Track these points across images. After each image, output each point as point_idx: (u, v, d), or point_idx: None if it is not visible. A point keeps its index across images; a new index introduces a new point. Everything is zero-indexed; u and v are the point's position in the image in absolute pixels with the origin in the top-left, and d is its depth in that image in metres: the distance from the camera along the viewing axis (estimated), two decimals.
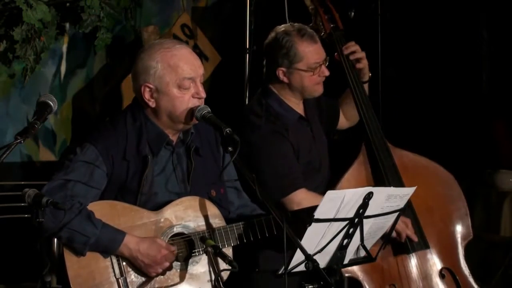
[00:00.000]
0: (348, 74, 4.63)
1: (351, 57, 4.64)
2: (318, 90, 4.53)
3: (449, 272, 4.52)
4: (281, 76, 4.49)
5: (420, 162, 4.61)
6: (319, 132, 4.66)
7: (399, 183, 4.47)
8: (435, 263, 4.52)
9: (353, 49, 4.64)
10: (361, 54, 4.66)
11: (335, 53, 4.65)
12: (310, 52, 4.45)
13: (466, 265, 4.55)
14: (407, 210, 4.43)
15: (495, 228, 5.95)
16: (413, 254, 4.46)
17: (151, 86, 3.85)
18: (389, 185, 4.42)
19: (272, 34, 4.53)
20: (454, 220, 4.58)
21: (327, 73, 4.50)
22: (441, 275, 4.51)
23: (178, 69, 3.83)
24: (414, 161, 4.61)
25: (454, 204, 4.60)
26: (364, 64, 4.68)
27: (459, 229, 4.58)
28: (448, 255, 4.54)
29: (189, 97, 3.85)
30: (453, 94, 6.21)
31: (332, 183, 4.51)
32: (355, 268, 4.30)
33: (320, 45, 4.51)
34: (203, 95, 3.87)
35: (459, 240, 4.57)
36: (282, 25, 4.56)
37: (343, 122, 4.88)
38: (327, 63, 4.51)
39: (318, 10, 4.68)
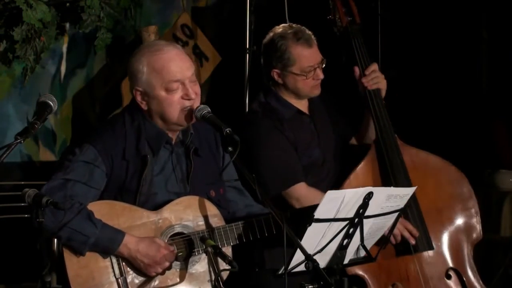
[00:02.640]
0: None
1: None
2: (314, 92, 4.54)
3: (456, 272, 4.50)
4: (276, 77, 4.52)
5: (432, 161, 4.60)
6: (324, 128, 4.64)
7: (406, 182, 4.47)
8: (442, 263, 4.49)
9: (373, 75, 4.58)
10: (379, 79, 4.59)
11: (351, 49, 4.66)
12: (304, 57, 4.47)
13: (474, 266, 4.51)
14: (412, 210, 4.44)
15: (495, 228, 5.94)
16: (417, 254, 4.45)
17: (140, 89, 3.86)
18: (395, 183, 4.43)
19: (270, 35, 4.55)
20: (463, 220, 4.55)
21: (321, 76, 4.51)
22: (447, 276, 4.49)
23: (163, 72, 3.81)
24: (425, 160, 4.59)
25: (464, 203, 4.57)
26: (382, 86, 4.61)
27: (467, 229, 4.55)
28: (455, 255, 4.51)
29: (178, 99, 3.83)
30: (453, 94, 6.21)
31: (342, 179, 4.51)
32: (359, 267, 4.30)
33: (315, 49, 4.51)
34: (193, 96, 3.83)
35: (467, 240, 4.54)
36: (281, 26, 4.56)
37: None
38: (324, 65, 4.52)
39: (336, 2, 4.66)
